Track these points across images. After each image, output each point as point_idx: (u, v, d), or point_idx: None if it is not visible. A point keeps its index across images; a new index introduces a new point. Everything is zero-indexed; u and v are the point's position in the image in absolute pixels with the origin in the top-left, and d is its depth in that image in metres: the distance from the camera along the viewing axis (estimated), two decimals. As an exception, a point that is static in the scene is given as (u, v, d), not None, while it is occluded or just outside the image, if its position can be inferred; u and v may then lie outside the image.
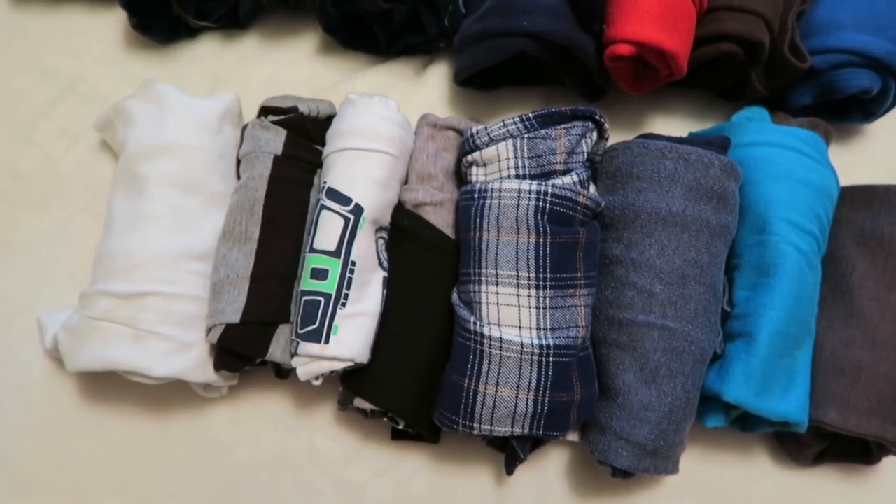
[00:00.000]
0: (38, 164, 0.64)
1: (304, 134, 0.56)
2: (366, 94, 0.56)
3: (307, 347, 0.51)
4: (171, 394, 0.57)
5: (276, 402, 0.59)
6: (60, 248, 0.62)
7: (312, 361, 0.51)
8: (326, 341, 0.50)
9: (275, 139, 0.55)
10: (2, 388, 0.58)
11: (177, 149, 0.55)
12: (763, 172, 0.52)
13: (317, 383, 0.52)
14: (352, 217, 0.52)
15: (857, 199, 0.55)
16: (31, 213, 0.62)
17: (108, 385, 0.58)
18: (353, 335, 0.51)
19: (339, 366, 0.51)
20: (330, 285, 0.51)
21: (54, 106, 0.65)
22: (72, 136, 0.65)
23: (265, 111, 0.57)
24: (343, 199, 0.52)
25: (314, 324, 0.51)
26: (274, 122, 0.56)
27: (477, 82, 0.63)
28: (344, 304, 0.51)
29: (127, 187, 0.55)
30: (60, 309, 0.57)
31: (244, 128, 0.57)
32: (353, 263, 0.52)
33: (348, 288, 0.51)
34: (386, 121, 0.54)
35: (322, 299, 0.51)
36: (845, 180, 0.57)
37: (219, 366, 0.53)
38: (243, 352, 0.52)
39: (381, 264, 0.54)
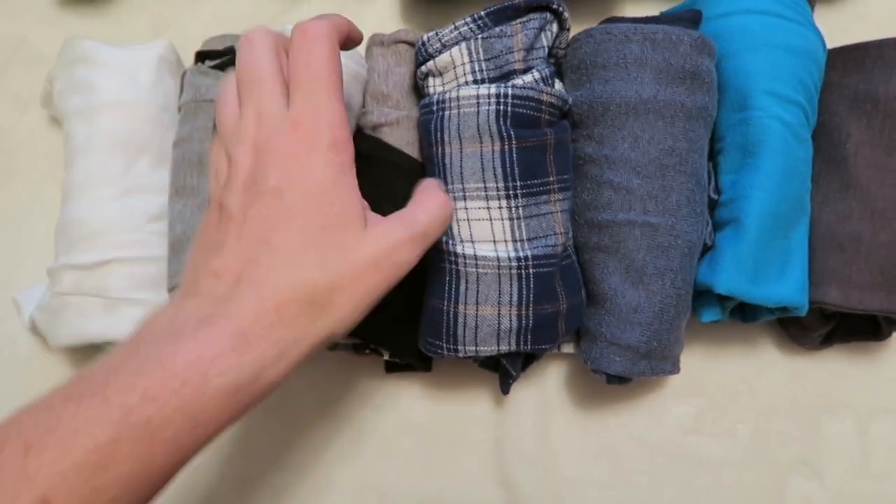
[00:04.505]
0: (-10, 136, 0.62)
1: None
2: (305, 21, 0.52)
3: None
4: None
5: (266, 349, 0.58)
6: (29, 221, 0.60)
7: None
8: None
9: (215, 85, 0.52)
10: (-10, 366, 0.58)
11: (113, 106, 0.52)
12: (740, 43, 0.48)
13: None
14: None
15: (847, 60, 0.50)
16: (-9, 187, 0.61)
17: (97, 353, 0.57)
18: None
19: None
20: None
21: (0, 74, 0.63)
22: (22, 104, 0.62)
23: (202, 56, 0.54)
24: None
25: None
26: (212, 67, 0.53)
27: (430, -10, 0.59)
28: None
29: (73, 154, 0.53)
30: (36, 283, 0.57)
31: (182, 75, 0.54)
32: None
33: None
34: None
35: None
36: (838, 41, 0.52)
37: None
38: None
39: None
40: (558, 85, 0.50)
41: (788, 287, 0.47)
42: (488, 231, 0.47)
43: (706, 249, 0.49)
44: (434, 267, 0.49)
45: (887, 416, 0.54)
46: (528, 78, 0.48)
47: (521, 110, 0.46)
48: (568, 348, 0.53)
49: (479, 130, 0.46)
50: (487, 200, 0.46)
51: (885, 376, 0.55)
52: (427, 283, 0.49)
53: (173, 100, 0.55)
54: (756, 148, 0.47)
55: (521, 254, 0.46)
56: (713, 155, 0.50)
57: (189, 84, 0.53)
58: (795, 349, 0.56)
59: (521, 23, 0.48)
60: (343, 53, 0.51)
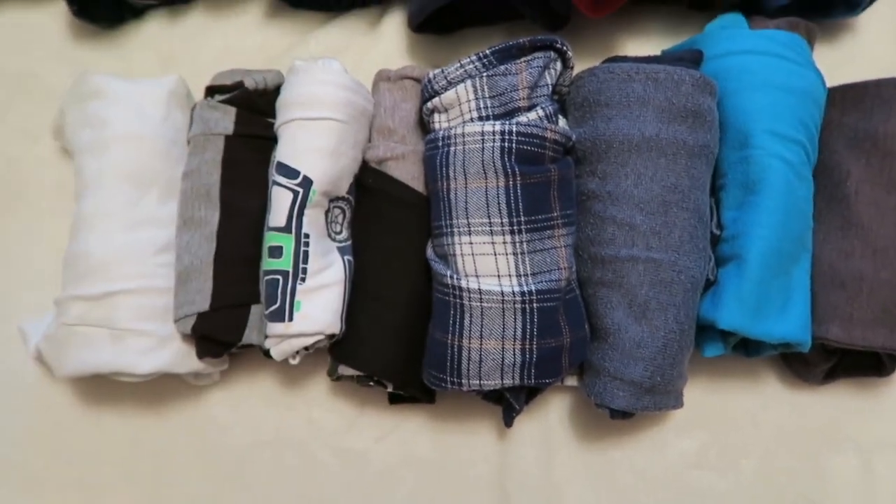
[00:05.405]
0: (0, 167, 0.62)
1: (255, 109, 0.54)
2: (311, 58, 0.53)
3: (274, 328, 0.49)
4: (165, 384, 0.56)
5: (269, 380, 0.58)
6: (33, 251, 0.61)
7: (282, 341, 0.50)
8: (290, 319, 0.49)
9: (224, 119, 0.53)
10: (-4, 396, 0.58)
11: (123, 140, 0.53)
12: (740, 83, 0.49)
13: (294, 362, 0.51)
14: (300, 190, 0.49)
15: (847, 99, 0.51)
16: (-1, 217, 0.61)
17: (102, 383, 0.57)
18: (317, 308, 0.50)
19: (309, 341, 0.50)
20: (286, 262, 0.49)
21: (8, 107, 0.64)
22: (31, 137, 0.63)
23: (211, 91, 0.55)
24: (291, 173, 0.49)
25: (276, 303, 0.49)
26: (221, 102, 0.53)
27: (435, 27, 0.60)
28: (303, 279, 0.49)
29: (82, 187, 0.53)
30: (41, 312, 0.57)
31: (192, 109, 0.55)
32: (307, 236, 0.50)
33: (305, 262, 0.50)
34: (328, 85, 0.51)
35: (280, 277, 0.49)
36: (836, 81, 0.53)
37: (201, 354, 0.52)
38: (218, 338, 0.51)
39: (331, 238, 0.52)
40: (562, 122, 0.51)
41: (790, 323, 0.47)
42: (493, 266, 0.47)
43: (709, 285, 0.50)
44: (438, 301, 0.49)
45: (891, 451, 0.54)
46: (532, 115, 0.48)
47: (525, 147, 0.47)
48: (571, 381, 0.53)
49: (483, 166, 0.47)
50: (492, 235, 0.47)
51: (888, 411, 0.55)
52: (431, 317, 0.50)
53: (183, 133, 0.56)
54: (757, 186, 0.47)
55: (525, 288, 0.46)
56: (715, 191, 0.51)
57: (198, 118, 0.54)
58: (799, 383, 0.56)
59: (525, 61, 0.49)
60: (350, 89, 0.52)
